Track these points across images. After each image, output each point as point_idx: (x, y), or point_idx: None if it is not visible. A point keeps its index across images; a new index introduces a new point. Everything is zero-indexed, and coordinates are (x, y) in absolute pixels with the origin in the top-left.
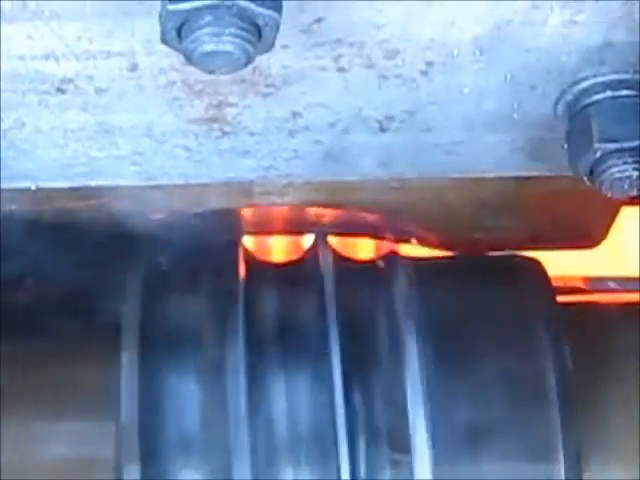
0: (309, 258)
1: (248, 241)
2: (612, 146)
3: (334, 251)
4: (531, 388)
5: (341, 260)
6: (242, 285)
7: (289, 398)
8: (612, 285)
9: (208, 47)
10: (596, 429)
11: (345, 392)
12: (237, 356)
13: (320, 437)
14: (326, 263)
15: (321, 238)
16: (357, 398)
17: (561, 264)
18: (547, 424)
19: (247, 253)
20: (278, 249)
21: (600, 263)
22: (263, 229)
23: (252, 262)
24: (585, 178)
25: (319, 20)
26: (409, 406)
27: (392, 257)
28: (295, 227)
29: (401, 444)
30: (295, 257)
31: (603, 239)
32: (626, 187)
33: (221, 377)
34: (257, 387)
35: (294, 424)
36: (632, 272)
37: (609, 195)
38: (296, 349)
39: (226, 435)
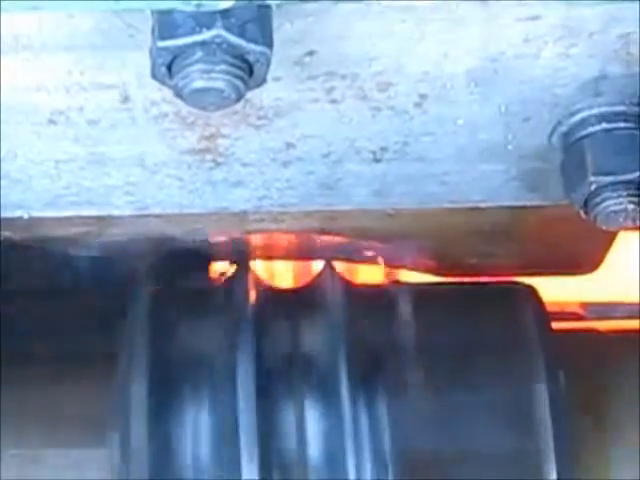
0: (318, 284)
1: (255, 266)
2: (607, 179)
3: (342, 277)
4: (525, 417)
5: (348, 286)
6: (252, 311)
7: (299, 425)
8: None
9: (198, 84)
10: (591, 458)
11: (354, 419)
12: (248, 384)
13: (329, 464)
14: (334, 289)
15: (328, 264)
16: (364, 423)
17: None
18: (541, 454)
19: (256, 278)
20: (283, 274)
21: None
22: (266, 254)
23: (261, 288)
24: (580, 210)
25: (311, 53)
26: (412, 434)
27: (395, 284)
28: (295, 253)
29: (406, 472)
30: (303, 283)
31: (600, 264)
32: (621, 220)
33: (232, 405)
34: (267, 415)
35: (304, 451)
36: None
37: (604, 228)
38: (305, 376)
39: (237, 463)
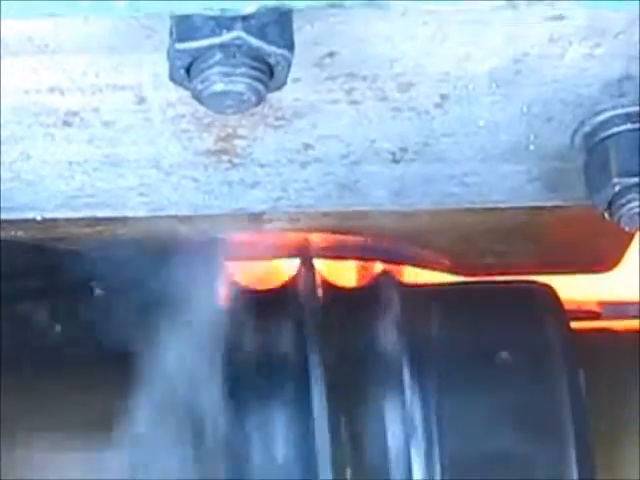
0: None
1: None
2: (631, 180)
3: (321, 277)
4: (545, 418)
5: (328, 287)
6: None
7: (268, 433)
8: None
9: (218, 87)
10: (611, 458)
11: (331, 426)
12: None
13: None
14: (308, 290)
15: (305, 263)
16: (344, 432)
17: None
18: (561, 454)
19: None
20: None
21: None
22: (251, 254)
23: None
24: (603, 211)
25: (331, 54)
26: (403, 442)
27: (413, 284)
28: (287, 252)
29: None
30: (280, 283)
31: (618, 263)
32: None
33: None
34: (236, 421)
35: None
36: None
37: (627, 229)
38: (277, 382)
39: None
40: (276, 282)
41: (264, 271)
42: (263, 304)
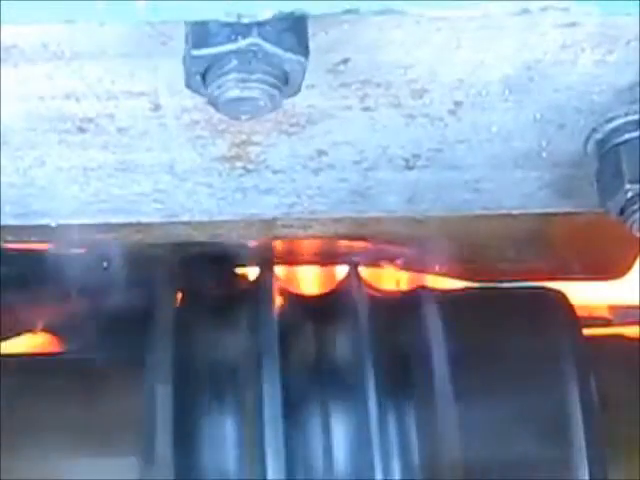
0: (342, 290)
1: (279, 271)
2: None
3: (366, 283)
4: (557, 425)
5: (373, 292)
6: (277, 317)
7: (326, 433)
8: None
9: (234, 93)
10: (624, 463)
11: (380, 426)
12: (274, 392)
13: (357, 472)
14: (359, 295)
15: (353, 270)
16: (392, 431)
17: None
18: (573, 460)
19: (281, 284)
20: (307, 280)
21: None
22: (291, 260)
23: (286, 294)
24: (616, 218)
25: (345, 61)
26: (442, 439)
27: (422, 289)
28: (322, 258)
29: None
30: (328, 289)
31: (630, 269)
32: None
33: (258, 414)
34: (294, 423)
35: (330, 457)
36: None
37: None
38: (332, 383)
39: (263, 472)
40: (322, 288)
41: (310, 277)
42: (315, 309)
